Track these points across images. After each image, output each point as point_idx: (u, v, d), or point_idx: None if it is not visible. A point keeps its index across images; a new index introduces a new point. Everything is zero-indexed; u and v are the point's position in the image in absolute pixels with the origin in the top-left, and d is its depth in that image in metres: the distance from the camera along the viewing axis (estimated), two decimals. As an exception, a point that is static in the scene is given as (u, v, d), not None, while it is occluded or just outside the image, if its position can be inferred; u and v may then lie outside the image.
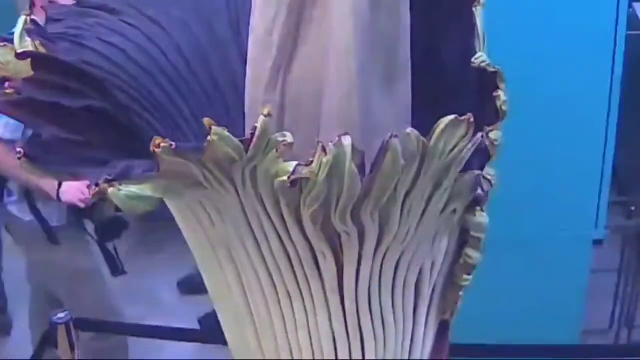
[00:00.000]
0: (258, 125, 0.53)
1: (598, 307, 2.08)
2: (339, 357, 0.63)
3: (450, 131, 0.56)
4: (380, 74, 0.60)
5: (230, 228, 0.58)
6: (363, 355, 0.64)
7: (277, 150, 0.53)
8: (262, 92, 0.63)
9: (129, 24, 0.71)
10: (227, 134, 0.54)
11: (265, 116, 0.52)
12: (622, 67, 1.65)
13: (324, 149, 0.53)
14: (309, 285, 0.60)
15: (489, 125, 0.61)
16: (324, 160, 0.53)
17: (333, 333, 0.62)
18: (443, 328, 0.69)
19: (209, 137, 0.53)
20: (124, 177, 0.55)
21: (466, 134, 0.56)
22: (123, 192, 0.55)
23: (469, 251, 0.65)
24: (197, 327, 2.19)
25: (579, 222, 1.77)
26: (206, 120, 0.54)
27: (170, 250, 2.49)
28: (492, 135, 0.60)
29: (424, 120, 0.68)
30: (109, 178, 0.55)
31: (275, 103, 0.62)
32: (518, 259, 1.76)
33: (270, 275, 0.60)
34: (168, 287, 2.42)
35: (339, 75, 0.58)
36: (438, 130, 0.55)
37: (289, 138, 0.54)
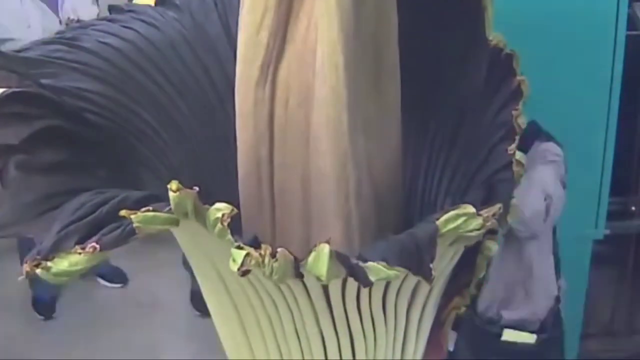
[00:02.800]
0: (171, 201, 0.52)
1: (598, 307, 2.07)
2: (329, 357, 0.63)
3: (465, 221, 0.55)
4: (367, 72, 0.60)
5: (208, 244, 0.58)
6: (353, 355, 0.63)
7: (222, 223, 0.53)
8: (252, 89, 0.63)
9: (124, 26, 0.72)
10: (151, 214, 0.53)
11: (174, 191, 0.52)
12: (622, 67, 1.65)
13: (272, 255, 0.52)
14: (294, 294, 0.60)
15: (503, 106, 0.61)
16: (275, 265, 0.53)
17: (322, 334, 0.62)
18: (439, 325, 0.69)
19: (134, 225, 0.53)
20: (54, 251, 0.54)
21: (481, 227, 0.55)
22: (52, 271, 0.53)
23: (489, 243, 0.65)
24: (198, 328, 2.18)
25: (579, 222, 1.77)
26: (123, 212, 0.53)
27: (173, 249, 2.48)
28: (519, 120, 0.60)
29: (429, 103, 0.67)
30: (38, 257, 0.54)
31: (265, 101, 0.63)
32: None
33: (254, 285, 0.60)
34: (168, 286, 2.42)
35: (326, 71, 0.58)
36: (451, 214, 0.55)
37: (226, 209, 0.53)
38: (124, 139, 0.67)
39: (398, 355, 0.66)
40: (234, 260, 0.53)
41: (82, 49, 0.70)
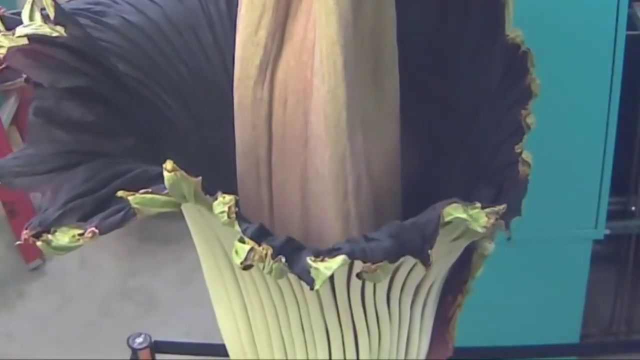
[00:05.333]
0: (165, 182, 0.52)
1: (597, 307, 2.07)
2: (332, 351, 0.63)
3: (472, 215, 0.55)
4: (366, 70, 0.60)
5: (216, 225, 0.58)
6: (357, 349, 0.64)
7: (229, 216, 0.53)
8: (250, 89, 0.63)
9: (151, 1, 0.71)
10: (149, 196, 0.52)
11: (169, 171, 0.52)
12: (622, 67, 1.65)
13: (273, 256, 0.52)
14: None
15: (513, 104, 0.61)
16: (274, 266, 0.52)
17: (326, 325, 0.62)
18: (444, 323, 0.69)
19: (131, 206, 0.53)
20: (56, 225, 0.53)
21: (486, 226, 0.55)
22: (52, 245, 0.53)
23: (485, 242, 0.65)
24: (198, 328, 2.18)
25: (579, 222, 1.77)
26: (120, 193, 0.53)
27: (172, 249, 2.49)
28: (528, 120, 0.60)
29: (438, 100, 0.67)
30: (39, 228, 0.53)
31: (263, 100, 0.63)
32: (517, 259, 1.75)
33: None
34: (169, 286, 2.42)
35: (325, 70, 0.58)
36: (458, 205, 0.54)
37: (230, 201, 0.53)
38: (150, 116, 0.66)
39: (402, 355, 0.66)
40: (237, 253, 0.53)
41: (108, 26, 0.69)
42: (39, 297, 2.42)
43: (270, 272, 0.52)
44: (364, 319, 0.62)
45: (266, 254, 0.52)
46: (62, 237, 0.53)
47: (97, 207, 0.54)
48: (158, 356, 1.17)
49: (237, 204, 0.53)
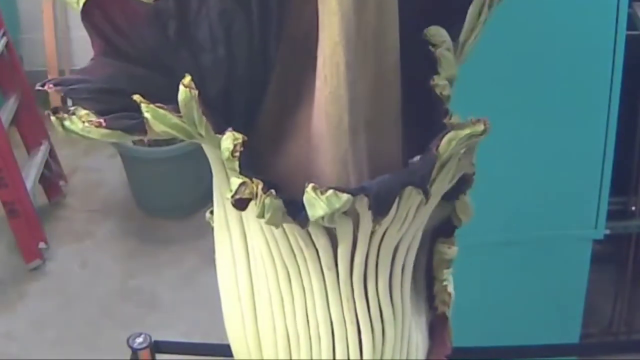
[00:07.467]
0: (179, 95, 0.52)
1: (597, 307, 2.08)
2: (336, 350, 0.63)
3: (472, 128, 0.56)
4: (368, 71, 0.60)
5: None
6: (360, 349, 0.64)
7: (232, 155, 0.52)
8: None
9: None
10: (162, 111, 0.52)
11: (185, 86, 0.51)
12: (622, 67, 1.65)
13: (264, 189, 0.52)
14: (305, 259, 0.60)
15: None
16: (266, 201, 0.52)
17: (330, 320, 0.62)
18: (442, 322, 0.69)
19: (144, 114, 0.52)
20: (76, 101, 0.53)
21: (483, 132, 0.55)
22: (65, 125, 0.53)
23: (441, 247, 0.66)
24: (198, 328, 2.18)
25: (579, 222, 1.77)
26: (136, 97, 0.52)
27: (173, 250, 2.49)
28: (453, 119, 0.60)
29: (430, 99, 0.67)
30: (63, 92, 0.53)
31: (265, 101, 0.63)
32: (517, 259, 1.76)
33: (268, 245, 0.60)
34: (169, 287, 2.42)
35: (327, 71, 0.58)
36: (452, 133, 0.55)
37: (237, 139, 0.53)
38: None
39: (405, 355, 0.66)
40: (230, 190, 0.53)
41: None
42: (39, 297, 2.42)
43: (262, 212, 0.52)
44: (367, 313, 0.62)
45: (257, 188, 0.52)
46: (77, 123, 0.54)
47: (122, 108, 0.54)
48: (158, 356, 1.17)
49: (244, 145, 0.53)
